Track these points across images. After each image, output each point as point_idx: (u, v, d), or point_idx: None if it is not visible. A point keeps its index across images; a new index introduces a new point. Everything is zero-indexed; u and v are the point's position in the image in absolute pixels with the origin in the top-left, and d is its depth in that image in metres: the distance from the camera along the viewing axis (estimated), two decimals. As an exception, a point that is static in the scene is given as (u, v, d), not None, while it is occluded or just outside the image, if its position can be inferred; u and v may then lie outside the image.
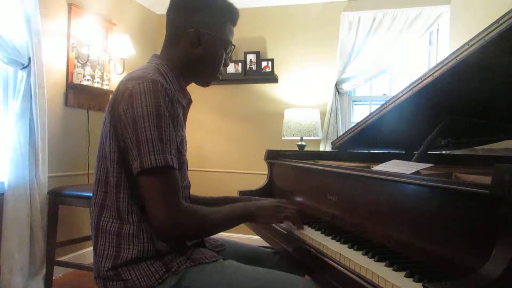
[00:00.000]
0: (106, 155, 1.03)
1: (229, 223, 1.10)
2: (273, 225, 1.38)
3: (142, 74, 1.02)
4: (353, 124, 2.23)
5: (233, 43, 1.22)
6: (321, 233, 1.19)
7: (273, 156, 1.89)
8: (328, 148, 3.30)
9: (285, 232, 1.30)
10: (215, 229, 1.07)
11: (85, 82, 2.83)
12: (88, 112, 3.00)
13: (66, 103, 2.80)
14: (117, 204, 1.02)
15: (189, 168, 1.23)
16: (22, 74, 2.31)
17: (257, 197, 1.53)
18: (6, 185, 2.27)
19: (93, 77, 2.92)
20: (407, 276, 0.81)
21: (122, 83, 1.03)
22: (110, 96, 1.08)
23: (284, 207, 1.19)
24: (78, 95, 2.89)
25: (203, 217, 1.03)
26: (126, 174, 1.01)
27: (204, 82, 1.23)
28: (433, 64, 3.29)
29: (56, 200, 2.44)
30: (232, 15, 1.18)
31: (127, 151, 0.98)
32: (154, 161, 0.93)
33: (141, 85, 0.97)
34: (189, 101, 1.20)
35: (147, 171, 0.94)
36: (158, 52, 1.19)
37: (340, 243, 1.08)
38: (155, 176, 0.95)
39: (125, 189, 1.01)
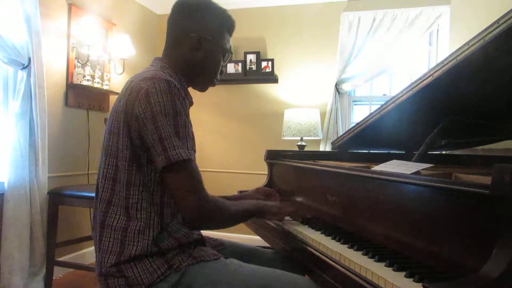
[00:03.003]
0: (118, 153, 1.05)
1: (244, 216, 1.23)
2: (273, 224, 1.38)
3: (154, 74, 1.05)
4: (353, 124, 2.23)
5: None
6: (321, 233, 1.20)
7: (273, 156, 1.89)
8: (328, 148, 3.30)
9: (285, 230, 1.30)
10: (234, 219, 1.17)
11: (85, 82, 2.83)
12: (88, 112, 3.01)
13: (66, 103, 2.81)
14: (126, 201, 1.03)
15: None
16: (22, 74, 2.31)
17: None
18: (6, 185, 2.28)
19: (93, 77, 2.92)
20: (407, 276, 0.81)
21: (135, 83, 1.04)
22: (116, 96, 1.09)
23: (285, 206, 1.34)
24: (78, 95, 2.89)
25: (226, 207, 1.10)
26: (137, 170, 1.03)
27: (201, 86, 1.27)
28: (433, 64, 3.29)
29: (56, 200, 2.44)
30: (229, 24, 1.24)
31: (146, 149, 1.01)
32: (181, 155, 0.98)
33: (157, 85, 1.01)
34: (191, 103, 1.22)
35: (173, 165, 0.98)
36: (158, 52, 1.21)
37: (340, 243, 1.08)
38: (182, 170, 1.00)
39: (135, 186, 1.03)
